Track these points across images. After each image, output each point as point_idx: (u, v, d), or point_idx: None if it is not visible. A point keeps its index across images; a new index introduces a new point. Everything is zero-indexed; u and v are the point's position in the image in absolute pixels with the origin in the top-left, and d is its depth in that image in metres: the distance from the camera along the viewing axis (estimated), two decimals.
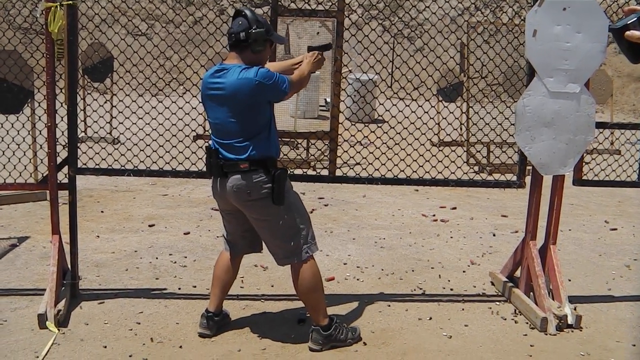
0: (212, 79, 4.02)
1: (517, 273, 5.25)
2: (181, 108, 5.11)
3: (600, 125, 4.99)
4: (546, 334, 4.59)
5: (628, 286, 5.64)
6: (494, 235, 6.99)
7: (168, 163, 5.07)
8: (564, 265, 6.02)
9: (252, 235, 4.34)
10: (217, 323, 4.43)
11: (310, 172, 9.22)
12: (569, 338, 4.58)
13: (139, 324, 4.52)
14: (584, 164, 5.03)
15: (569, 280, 5.62)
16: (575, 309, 4.80)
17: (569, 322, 4.69)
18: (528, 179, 5.03)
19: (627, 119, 17.25)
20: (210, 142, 4.17)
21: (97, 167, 4.94)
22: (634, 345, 4.50)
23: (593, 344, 4.49)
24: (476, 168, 10.08)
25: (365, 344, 4.35)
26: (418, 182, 5.03)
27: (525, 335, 4.59)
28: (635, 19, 2.49)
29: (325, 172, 5.07)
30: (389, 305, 4.99)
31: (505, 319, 4.84)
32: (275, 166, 4.08)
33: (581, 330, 4.68)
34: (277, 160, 4.16)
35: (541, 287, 4.79)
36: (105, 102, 5.89)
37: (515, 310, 4.98)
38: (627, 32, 2.49)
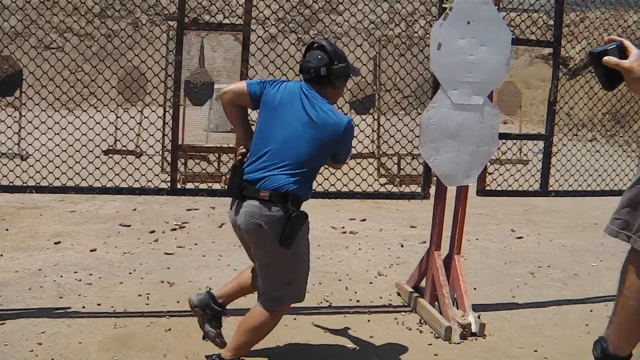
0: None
1: (423, 283, 5.31)
2: (84, 123, 5.00)
3: (504, 136, 5.10)
4: (450, 343, 4.66)
5: (532, 293, 5.78)
6: (402, 246, 7.06)
7: (71, 179, 4.95)
8: (471, 274, 6.13)
9: None
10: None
11: (217, 186, 9.12)
12: (473, 346, 4.66)
13: (41, 344, 4.38)
14: (487, 174, 5.14)
15: (475, 289, 5.72)
16: (479, 317, 4.90)
17: (473, 330, 4.77)
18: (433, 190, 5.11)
19: (537, 130, 17.73)
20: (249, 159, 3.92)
21: None
22: (536, 351, 4.62)
23: (496, 351, 4.59)
24: (385, 180, 10.19)
25: (268, 357, 4.32)
26: (323, 195, 5.03)
27: (430, 344, 4.65)
28: (614, 46, 2.59)
29: None
30: (295, 319, 4.95)
31: (411, 329, 4.89)
32: (297, 206, 3.80)
33: (485, 338, 4.77)
34: (303, 202, 3.89)
35: (445, 296, 4.86)
36: (8, 117, 5.70)
37: (420, 320, 5.04)
38: (605, 58, 2.58)
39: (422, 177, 5.12)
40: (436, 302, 5.04)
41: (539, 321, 5.17)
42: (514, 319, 5.18)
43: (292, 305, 5.05)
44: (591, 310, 5.45)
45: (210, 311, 4.14)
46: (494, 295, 5.68)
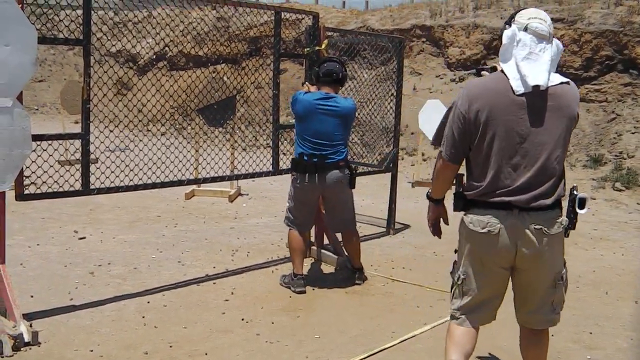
0: (323, 101, 5.91)
1: None
2: None
3: (38, 137, 4.97)
4: (2, 357, 4.44)
5: (91, 293, 5.76)
6: None
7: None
8: (29, 281, 5.95)
9: (313, 217, 6.44)
10: (305, 281, 6.11)
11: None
12: (27, 356, 4.51)
13: None
14: (24, 177, 4.97)
15: (32, 297, 5.54)
16: (31, 325, 4.75)
17: (26, 340, 4.60)
18: None
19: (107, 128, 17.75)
20: (302, 149, 5.95)
21: None
22: (92, 351, 4.62)
23: (51, 357, 4.50)
24: None
25: None
26: None
27: None
28: (489, 67, 3.76)
29: None
30: None
31: None
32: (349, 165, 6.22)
33: (39, 346, 4.64)
34: None
35: None
36: None
37: None
38: (482, 72, 3.81)
39: None
40: None
41: (97, 320, 5.18)
42: (71, 321, 5.12)
43: None
44: (148, 302, 5.62)
45: None
46: (52, 300, 5.53)
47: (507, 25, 3.53)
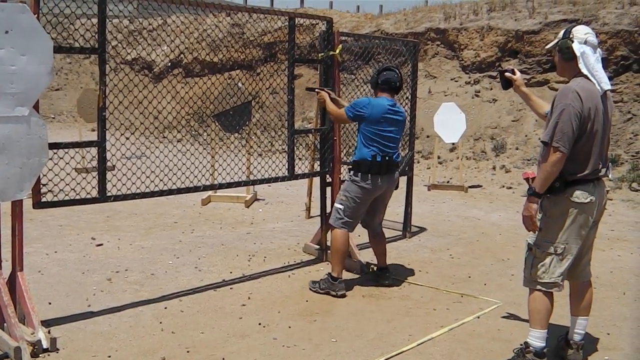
0: (392, 108, 6.18)
1: None
2: None
3: (55, 145, 5.01)
4: None
5: (108, 299, 5.79)
6: None
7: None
8: (47, 288, 5.99)
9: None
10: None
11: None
12: None
13: None
14: (42, 186, 5.00)
15: (50, 304, 5.58)
16: (49, 332, 4.79)
17: (44, 346, 4.63)
18: None
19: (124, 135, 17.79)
20: (374, 150, 6.10)
21: None
22: (110, 357, 4.63)
23: None
24: None
25: None
26: None
27: None
28: (511, 69, 4.93)
29: None
30: None
31: None
32: None
33: (58, 352, 4.67)
34: None
35: (11, 316, 4.65)
36: None
37: None
38: (506, 73, 4.89)
39: None
40: (5, 324, 4.81)
41: (114, 326, 5.20)
42: (88, 327, 5.15)
43: None
44: (165, 308, 5.64)
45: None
46: (69, 307, 5.56)
47: (568, 40, 4.33)
